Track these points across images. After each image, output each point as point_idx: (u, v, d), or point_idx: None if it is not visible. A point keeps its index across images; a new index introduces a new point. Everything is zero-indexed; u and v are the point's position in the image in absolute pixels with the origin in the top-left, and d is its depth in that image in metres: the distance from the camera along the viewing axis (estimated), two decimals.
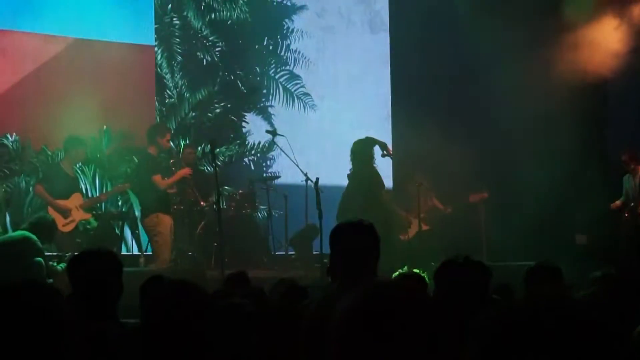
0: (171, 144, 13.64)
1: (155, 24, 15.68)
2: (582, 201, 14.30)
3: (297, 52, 16.80)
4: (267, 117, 16.30)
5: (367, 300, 2.26)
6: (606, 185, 14.43)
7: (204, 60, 16.08)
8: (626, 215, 13.64)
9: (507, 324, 2.07)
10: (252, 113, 16.47)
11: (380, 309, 2.23)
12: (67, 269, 5.74)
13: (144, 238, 14.07)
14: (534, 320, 2.05)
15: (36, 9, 14.21)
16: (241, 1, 16.34)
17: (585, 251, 13.63)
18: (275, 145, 14.80)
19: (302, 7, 16.95)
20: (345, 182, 14.56)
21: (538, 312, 2.07)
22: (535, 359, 2.00)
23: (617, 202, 13.92)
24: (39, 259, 10.20)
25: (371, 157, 14.03)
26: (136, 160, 13.91)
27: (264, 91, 16.59)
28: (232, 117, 16.25)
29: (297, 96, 16.81)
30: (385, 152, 14.05)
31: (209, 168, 13.53)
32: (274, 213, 15.40)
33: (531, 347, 2.01)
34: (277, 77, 16.65)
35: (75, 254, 7.37)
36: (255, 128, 16.18)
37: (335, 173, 15.27)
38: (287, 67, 16.82)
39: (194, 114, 15.70)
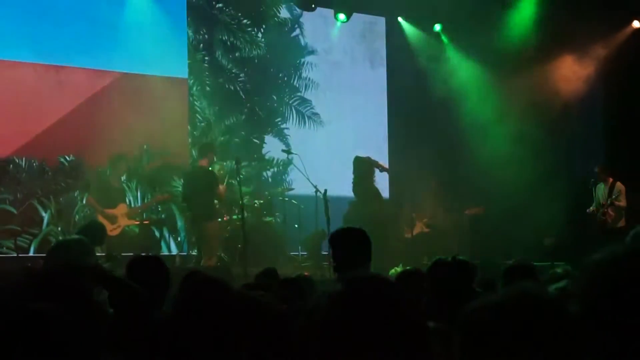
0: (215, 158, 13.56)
1: (188, 59, 15.60)
2: (551, 208, 14.21)
3: (307, 80, 16.74)
4: (283, 138, 16.26)
5: (343, 291, 2.25)
6: (571, 194, 14.34)
7: (230, 90, 15.94)
8: (597, 222, 13.61)
9: (490, 313, 2.07)
10: (270, 135, 16.39)
11: (353, 297, 2.22)
12: (127, 268, 5.65)
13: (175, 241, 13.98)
14: (513, 310, 2.04)
15: (88, 47, 14.17)
16: (261, 41, 16.24)
17: (552, 251, 13.50)
18: (289, 162, 14.71)
19: (312, 45, 16.78)
20: (348, 193, 14.65)
21: (517, 303, 2.06)
22: (515, 343, 1.99)
23: (592, 208, 13.86)
24: (90, 258, 10.13)
25: (371, 173, 14.05)
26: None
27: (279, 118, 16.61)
28: (254, 139, 16.07)
29: (307, 116, 16.80)
30: (381, 168, 14.13)
31: (234, 182, 13.41)
32: (288, 220, 15.37)
33: (511, 332, 2.01)
34: (290, 102, 16.55)
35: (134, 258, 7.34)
36: (273, 147, 16.09)
37: (341, 186, 15.21)
38: (299, 93, 16.78)
39: (222, 138, 15.57)
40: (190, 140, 15.34)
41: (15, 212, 13.47)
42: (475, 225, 14.67)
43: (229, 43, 16.13)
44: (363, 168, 14.26)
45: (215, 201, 13.42)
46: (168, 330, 3.86)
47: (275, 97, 16.70)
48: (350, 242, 6.27)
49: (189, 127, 15.53)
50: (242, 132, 16.03)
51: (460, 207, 14.86)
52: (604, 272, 2.21)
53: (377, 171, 14.57)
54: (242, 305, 4.01)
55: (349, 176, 15.34)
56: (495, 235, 13.91)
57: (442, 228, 14.55)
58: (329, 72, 17.03)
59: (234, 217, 13.77)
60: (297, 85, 16.83)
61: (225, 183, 13.58)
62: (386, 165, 14.78)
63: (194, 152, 14.45)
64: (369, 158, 14.56)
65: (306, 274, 9.29)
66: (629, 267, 2.18)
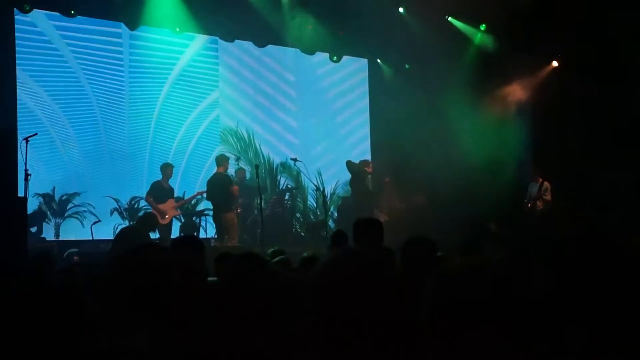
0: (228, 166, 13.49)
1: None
2: (496, 200, 14.23)
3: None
4: (294, 149, 15.90)
5: (330, 262, 2.21)
6: (509, 190, 14.35)
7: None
8: (528, 210, 13.60)
9: (449, 279, 2.03)
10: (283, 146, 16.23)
11: (338, 268, 2.16)
12: (174, 246, 5.53)
13: (211, 228, 13.94)
14: (467, 278, 2.01)
15: None
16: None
17: (495, 235, 13.51)
18: (297, 167, 14.74)
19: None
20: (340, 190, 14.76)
21: (470, 272, 2.03)
22: (467, 303, 1.94)
23: (526, 201, 13.79)
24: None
25: (364, 173, 14.04)
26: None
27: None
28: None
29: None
30: (367, 169, 14.17)
31: (254, 182, 13.44)
32: (295, 211, 15.44)
33: (464, 295, 1.97)
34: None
35: (178, 238, 7.38)
36: (284, 155, 15.83)
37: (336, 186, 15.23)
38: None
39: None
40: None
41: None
42: (430, 212, 14.64)
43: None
44: (354, 168, 14.28)
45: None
46: (216, 296, 3.96)
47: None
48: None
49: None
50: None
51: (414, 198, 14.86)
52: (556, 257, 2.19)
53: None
54: (270, 275, 4.08)
55: (342, 180, 15.51)
56: (449, 222, 13.86)
57: (400, 216, 14.39)
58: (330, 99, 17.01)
59: (255, 209, 13.66)
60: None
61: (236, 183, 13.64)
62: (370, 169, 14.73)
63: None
64: (360, 162, 14.61)
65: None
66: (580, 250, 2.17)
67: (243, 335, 2.53)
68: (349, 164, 14.30)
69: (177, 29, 14.22)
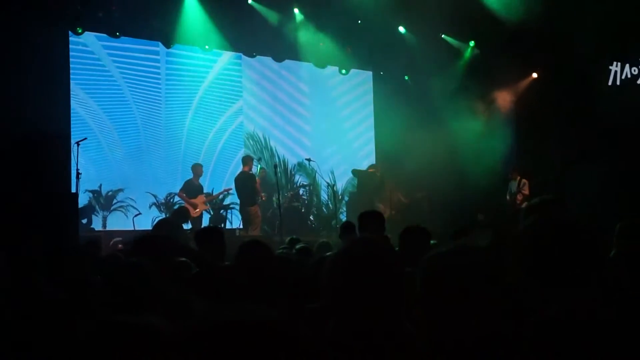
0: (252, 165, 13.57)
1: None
2: (484, 194, 14.25)
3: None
4: (308, 150, 15.90)
5: (347, 247, 2.23)
6: (493, 186, 14.37)
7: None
8: (509, 203, 13.65)
9: (439, 259, 2.04)
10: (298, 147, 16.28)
11: (353, 252, 2.19)
12: (197, 235, 5.70)
13: (236, 219, 14.04)
14: (454, 259, 2.01)
15: None
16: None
17: (483, 224, 13.52)
18: (310, 166, 14.80)
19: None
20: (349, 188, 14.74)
21: (456, 254, 2.02)
22: (454, 283, 1.94)
23: (508, 196, 13.85)
24: (179, 231, 10.25)
25: (368, 176, 14.07)
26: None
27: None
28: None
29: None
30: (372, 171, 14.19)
31: (273, 180, 13.51)
32: (309, 205, 15.48)
33: (452, 275, 1.97)
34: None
35: (202, 228, 7.45)
36: (299, 156, 15.90)
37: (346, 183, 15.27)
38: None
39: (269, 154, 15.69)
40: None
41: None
42: (427, 205, 14.67)
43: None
44: (358, 175, 14.33)
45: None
46: (229, 276, 4.02)
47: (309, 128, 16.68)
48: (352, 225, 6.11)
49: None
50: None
51: (414, 194, 14.88)
52: (523, 239, 2.21)
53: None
54: (277, 258, 4.17)
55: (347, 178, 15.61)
56: (444, 213, 13.91)
57: (402, 209, 14.51)
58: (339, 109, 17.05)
59: (274, 203, 13.68)
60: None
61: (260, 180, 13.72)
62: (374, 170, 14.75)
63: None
64: (369, 166, 14.63)
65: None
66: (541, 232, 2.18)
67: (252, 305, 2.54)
68: (354, 173, 14.39)
69: (207, 47, 14.31)
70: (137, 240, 4.39)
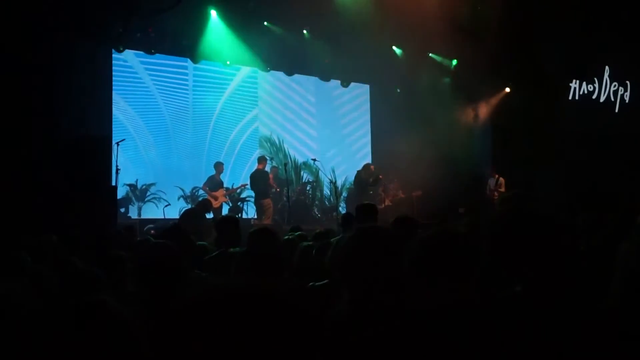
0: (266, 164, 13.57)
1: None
2: (464, 190, 14.25)
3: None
4: (313, 152, 15.90)
5: (355, 233, 2.28)
6: (474, 183, 14.38)
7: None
8: (488, 198, 13.65)
9: (424, 241, 2.04)
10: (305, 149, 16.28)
11: (362, 237, 2.24)
12: (217, 223, 5.68)
13: (251, 210, 14.05)
14: (436, 240, 2.02)
15: None
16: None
17: (463, 216, 13.52)
18: (315, 165, 14.80)
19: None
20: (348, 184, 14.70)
21: (440, 237, 2.03)
22: (436, 261, 1.95)
23: (487, 193, 13.84)
24: (201, 220, 10.23)
25: (364, 176, 14.01)
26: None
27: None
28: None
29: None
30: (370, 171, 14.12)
31: (284, 176, 13.55)
32: (314, 197, 15.48)
33: (436, 255, 1.97)
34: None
35: (220, 217, 7.46)
36: (306, 156, 15.88)
37: (345, 180, 15.24)
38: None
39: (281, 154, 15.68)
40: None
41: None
42: (419, 200, 14.66)
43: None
44: (358, 177, 14.32)
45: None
46: (242, 259, 4.06)
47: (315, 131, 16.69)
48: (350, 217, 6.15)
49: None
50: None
51: (410, 190, 14.87)
52: (494, 225, 2.18)
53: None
54: (280, 240, 4.18)
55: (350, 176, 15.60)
56: (430, 207, 13.89)
57: (399, 202, 14.53)
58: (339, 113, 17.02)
59: (284, 196, 13.62)
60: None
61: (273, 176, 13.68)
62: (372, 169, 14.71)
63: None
64: (364, 165, 14.65)
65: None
66: (507, 221, 2.16)
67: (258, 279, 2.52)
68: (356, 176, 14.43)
69: (228, 62, 14.34)
70: (167, 228, 4.41)
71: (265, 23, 13.84)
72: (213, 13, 13.38)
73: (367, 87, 17.15)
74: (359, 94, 17.21)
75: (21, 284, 2.18)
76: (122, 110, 13.36)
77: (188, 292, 1.18)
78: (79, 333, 1.33)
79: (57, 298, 3.32)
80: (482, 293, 1.94)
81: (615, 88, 15.02)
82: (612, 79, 15.02)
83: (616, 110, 15.01)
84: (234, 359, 1.08)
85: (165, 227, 6.28)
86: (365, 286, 2.12)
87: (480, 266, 1.96)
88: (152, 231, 9.91)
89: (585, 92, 14.76)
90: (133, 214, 13.03)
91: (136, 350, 1.33)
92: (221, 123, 14.84)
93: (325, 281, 3.31)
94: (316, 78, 15.90)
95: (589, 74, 14.75)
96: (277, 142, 15.68)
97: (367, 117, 17.26)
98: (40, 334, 1.32)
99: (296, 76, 15.83)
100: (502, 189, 13.40)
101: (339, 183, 15.71)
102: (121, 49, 12.73)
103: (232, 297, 1.13)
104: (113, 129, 12.57)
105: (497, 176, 13.72)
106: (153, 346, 1.30)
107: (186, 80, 14.39)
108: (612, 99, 15.04)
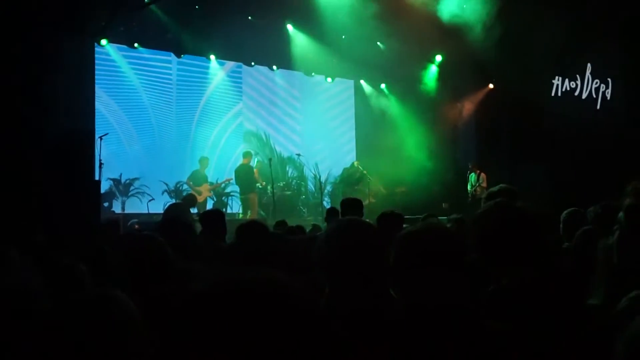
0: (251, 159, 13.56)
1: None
2: (447, 186, 14.33)
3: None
4: (298, 147, 15.87)
5: (337, 226, 2.23)
6: (456, 179, 14.46)
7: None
8: (469, 196, 13.72)
9: (409, 235, 2.02)
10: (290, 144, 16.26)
11: (345, 230, 2.19)
12: (202, 216, 5.68)
13: (236, 205, 14.03)
14: (421, 234, 1.98)
15: None
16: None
17: (447, 212, 13.61)
18: (300, 160, 14.81)
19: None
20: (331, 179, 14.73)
21: (423, 231, 1.99)
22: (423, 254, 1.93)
23: (469, 188, 13.86)
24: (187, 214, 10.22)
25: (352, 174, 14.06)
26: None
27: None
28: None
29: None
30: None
31: (268, 171, 13.51)
32: (299, 193, 15.48)
33: (418, 246, 1.95)
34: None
35: (206, 210, 7.44)
36: (290, 151, 15.86)
37: (328, 175, 15.27)
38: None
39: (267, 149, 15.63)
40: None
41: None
42: (403, 196, 14.71)
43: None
44: (348, 174, 14.36)
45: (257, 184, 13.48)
46: (233, 252, 4.05)
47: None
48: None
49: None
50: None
51: (393, 186, 14.93)
52: (480, 221, 2.21)
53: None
54: (271, 235, 4.19)
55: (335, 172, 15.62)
56: (414, 203, 13.94)
57: (383, 198, 14.56)
58: (324, 109, 17.01)
59: (269, 191, 13.67)
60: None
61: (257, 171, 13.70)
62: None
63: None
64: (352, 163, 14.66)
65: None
66: (494, 216, 2.18)
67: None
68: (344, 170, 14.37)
69: (212, 57, 14.28)
70: (162, 223, 4.37)
71: (250, 17, 13.79)
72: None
73: (351, 82, 17.18)
74: (344, 89, 17.23)
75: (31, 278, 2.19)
76: (104, 104, 13.21)
77: (184, 284, 1.15)
78: (95, 326, 1.35)
79: (42, 294, 3.32)
80: (469, 287, 1.93)
81: (597, 85, 15.17)
82: (594, 76, 15.17)
83: (597, 107, 15.16)
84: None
85: (165, 219, 6.24)
86: (344, 279, 2.06)
87: (467, 261, 1.95)
88: (137, 225, 9.88)
89: (568, 88, 14.90)
90: (117, 208, 12.90)
91: (145, 343, 1.33)
92: (205, 118, 14.80)
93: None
94: (301, 72, 15.90)
95: (572, 71, 14.89)
96: (263, 137, 15.67)
97: (352, 112, 17.32)
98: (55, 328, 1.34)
99: (281, 71, 15.81)
100: (484, 185, 13.47)
101: (323, 178, 15.73)
102: (103, 43, 12.62)
103: (249, 291, 1.05)
104: (96, 123, 12.33)
105: (478, 172, 13.79)
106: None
107: (170, 74, 14.32)
108: (594, 95, 15.19)
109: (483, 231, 2.13)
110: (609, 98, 15.33)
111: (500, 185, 3.97)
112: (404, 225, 5.19)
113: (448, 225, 5.43)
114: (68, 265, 3.66)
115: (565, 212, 4.60)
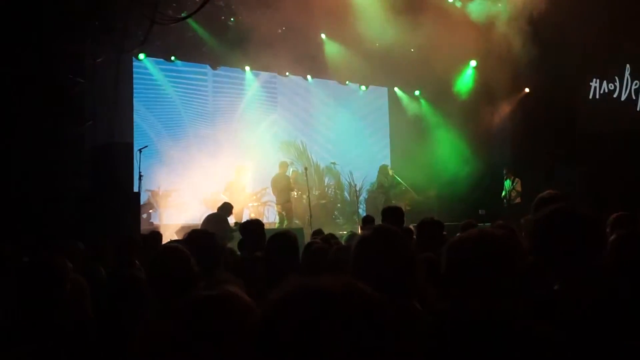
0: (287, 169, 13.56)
1: None
2: (484, 193, 14.16)
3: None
4: (333, 155, 15.79)
5: (367, 233, 2.29)
6: (493, 185, 14.28)
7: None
8: (505, 201, 13.54)
9: (459, 244, 1.99)
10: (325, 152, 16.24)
11: (373, 236, 2.24)
12: (242, 227, 5.67)
13: (272, 214, 14.04)
14: (472, 243, 1.96)
15: None
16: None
17: (485, 218, 13.44)
18: (336, 168, 14.78)
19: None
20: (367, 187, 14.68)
21: (474, 240, 1.97)
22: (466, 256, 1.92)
23: (503, 193, 13.71)
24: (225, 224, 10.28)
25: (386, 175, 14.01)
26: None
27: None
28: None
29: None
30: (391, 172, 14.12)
31: (304, 180, 13.50)
32: (335, 201, 15.46)
33: (471, 254, 1.92)
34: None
35: (246, 221, 7.45)
36: (326, 160, 15.83)
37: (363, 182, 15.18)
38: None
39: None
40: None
41: None
42: (437, 201, 14.58)
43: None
44: (380, 178, 14.29)
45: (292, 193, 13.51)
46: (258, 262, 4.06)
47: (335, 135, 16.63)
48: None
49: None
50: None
51: (426, 192, 14.79)
52: (541, 225, 2.19)
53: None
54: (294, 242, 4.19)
55: (370, 177, 15.52)
56: (454, 209, 13.80)
57: (415, 205, 14.48)
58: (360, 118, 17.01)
59: (304, 201, 13.59)
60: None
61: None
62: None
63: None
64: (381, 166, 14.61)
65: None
66: (555, 221, 2.16)
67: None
68: (380, 168, 14.31)
69: (247, 68, 14.36)
70: (189, 234, 4.41)
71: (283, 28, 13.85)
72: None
73: (385, 90, 17.15)
74: (378, 97, 17.25)
75: None
76: (143, 117, 13.43)
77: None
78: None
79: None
80: (523, 293, 1.92)
81: (637, 86, 14.82)
82: (633, 77, 14.83)
83: (638, 109, 14.81)
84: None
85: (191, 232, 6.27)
86: (373, 285, 2.06)
87: (522, 266, 1.93)
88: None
89: (606, 90, 14.61)
90: (155, 219, 13.09)
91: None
92: (241, 128, 14.87)
93: None
94: (335, 82, 15.94)
95: (610, 73, 14.60)
96: (300, 146, 15.71)
97: (386, 119, 17.30)
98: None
99: (315, 80, 15.87)
100: (518, 189, 13.37)
101: (358, 186, 15.68)
102: (141, 57, 12.82)
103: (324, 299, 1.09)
104: (134, 135, 12.63)
105: (513, 177, 13.62)
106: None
107: (206, 86, 14.48)
108: (634, 97, 14.85)
109: (546, 235, 2.11)
110: None
111: (549, 190, 3.89)
112: (444, 233, 5.16)
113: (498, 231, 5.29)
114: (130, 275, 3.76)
115: (612, 215, 4.48)
